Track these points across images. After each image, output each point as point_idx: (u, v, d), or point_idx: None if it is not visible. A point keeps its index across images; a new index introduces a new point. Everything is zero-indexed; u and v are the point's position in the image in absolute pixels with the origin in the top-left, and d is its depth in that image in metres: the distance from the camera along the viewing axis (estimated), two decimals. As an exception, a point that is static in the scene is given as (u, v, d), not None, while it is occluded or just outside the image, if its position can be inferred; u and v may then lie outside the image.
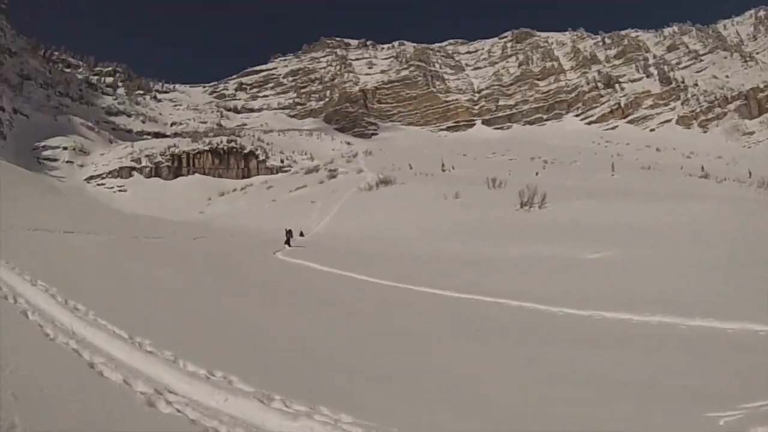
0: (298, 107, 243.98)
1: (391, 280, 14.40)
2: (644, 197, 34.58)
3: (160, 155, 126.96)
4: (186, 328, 8.33)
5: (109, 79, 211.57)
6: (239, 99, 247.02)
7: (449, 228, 32.16)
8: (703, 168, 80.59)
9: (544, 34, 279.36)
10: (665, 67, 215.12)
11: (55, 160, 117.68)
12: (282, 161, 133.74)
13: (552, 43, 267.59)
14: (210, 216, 78.01)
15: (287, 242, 29.01)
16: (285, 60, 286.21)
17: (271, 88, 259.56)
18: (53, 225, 20.87)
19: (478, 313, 10.39)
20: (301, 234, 37.88)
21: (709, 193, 41.55)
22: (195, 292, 12.48)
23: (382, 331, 8.93)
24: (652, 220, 24.60)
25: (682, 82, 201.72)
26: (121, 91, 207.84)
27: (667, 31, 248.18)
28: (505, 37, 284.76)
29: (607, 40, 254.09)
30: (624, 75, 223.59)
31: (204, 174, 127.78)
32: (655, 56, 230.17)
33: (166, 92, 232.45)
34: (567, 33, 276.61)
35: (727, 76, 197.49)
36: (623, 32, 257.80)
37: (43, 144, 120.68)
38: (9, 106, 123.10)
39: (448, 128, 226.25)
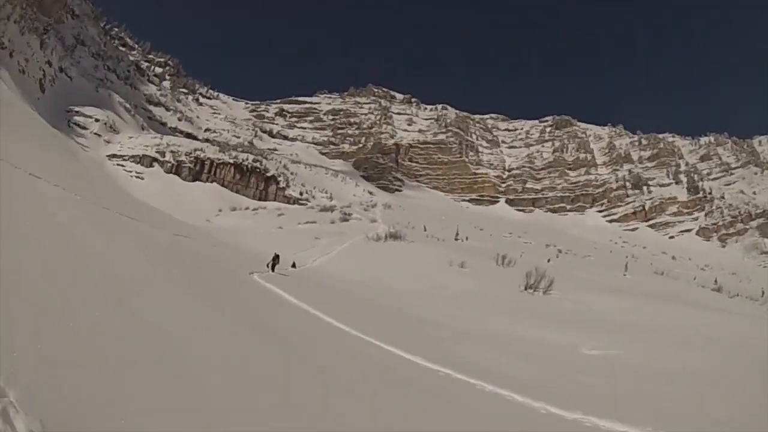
0: (331, 146, 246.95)
1: (359, 330, 12.72)
2: (653, 300, 32.90)
3: (185, 155, 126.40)
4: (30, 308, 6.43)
5: (159, 70, 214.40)
6: (277, 124, 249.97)
7: (445, 293, 30.64)
8: (716, 281, 78.64)
9: (583, 125, 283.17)
10: (695, 176, 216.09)
11: (85, 128, 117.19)
12: (301, 193, 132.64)
13: (590, 136, 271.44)
14: (215, 225, 76.97)
15: (271, 267, 27.27)
16: (329, 97, 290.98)
17: (310, 121, 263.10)
18: (36, 171, 19.31)
19: (438, 390, 8.69)
20: (294, 265, 36.11)
21: (721, 307, 39.64)
22: (110, 271, 10.49)
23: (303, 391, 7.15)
24: (659, 323, 23.18)
25: (710, 193, 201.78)
26: (166, 84, 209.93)
27: (703, 140, 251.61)
28: (546, 121, 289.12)
29: (644, 141, 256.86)
30: (654, 178, 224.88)
31: (222, 185, 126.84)
32: (687, 164, 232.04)
33: (208, 98, 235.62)
34: (606, 128, 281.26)
35: (754, 193, 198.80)
36: (660, 135, 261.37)
37: (77, 109, 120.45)
38: (56, 63, 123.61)
39: (472, 200, 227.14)
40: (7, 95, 60.83)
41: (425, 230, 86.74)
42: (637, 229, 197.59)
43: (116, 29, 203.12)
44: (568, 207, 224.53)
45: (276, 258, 27.95)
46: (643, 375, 12.63)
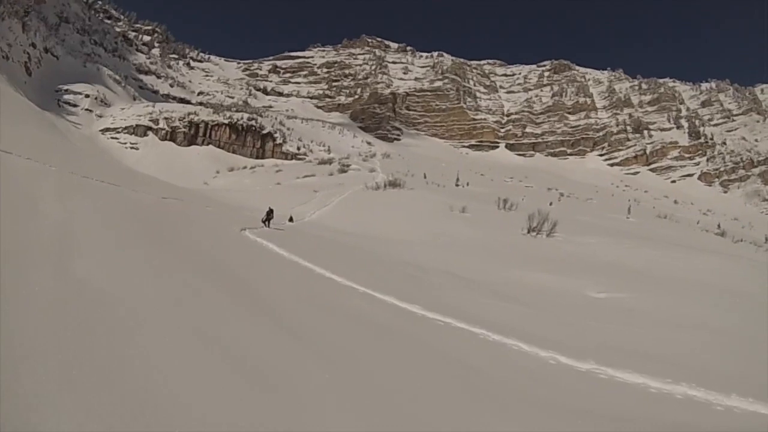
0: (327, 99, 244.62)
1: (353, 280, 11.91)
2: (657, 243, 32.14)
3: (179, 120, 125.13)
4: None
5: (147, 38, 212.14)
6: (271, 81, 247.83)
7: (446, 239, 29.83)
8: (719, 226, 78.15)
9: (582, 69, 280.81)
10: (697, 121, 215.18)
11: (75, 105, 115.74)
12: (298, 148, 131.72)
13: (589, 80, 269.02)
14: (212, 187, 76.35)
15: (266, 222, 26.41)
16: (323, 50, 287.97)
17: (304, 76, 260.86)
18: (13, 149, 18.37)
19: (438, 341, 7.85)
20: (291, 219, 35.52)
21: (726, 251, 38.88)
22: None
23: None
24: (668, 267, 22.28)
25: (711, 138, 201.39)
26: (155, 51, 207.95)
27: (704, 86, 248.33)
28: (544, 65, 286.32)
29: (644, 86, 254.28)
30: (655, 122, 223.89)
31: (219, 147, 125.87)
32: (688, 109, 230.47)
33: (200, 61, 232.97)
34: (605, 72, 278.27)
35: (756, 140, 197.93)
36: (661, 80, 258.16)
37: (66, 87, 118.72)
38: (41, 44, 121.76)
39: (471, 146, 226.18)
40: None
41: (425, 177, 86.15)
42: (638, 173, 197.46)
43: (100, 2, 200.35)
44: (569, 151, 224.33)
45: (270, 212, 26.87)
46: (652, 320, 11.76)
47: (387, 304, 9.89)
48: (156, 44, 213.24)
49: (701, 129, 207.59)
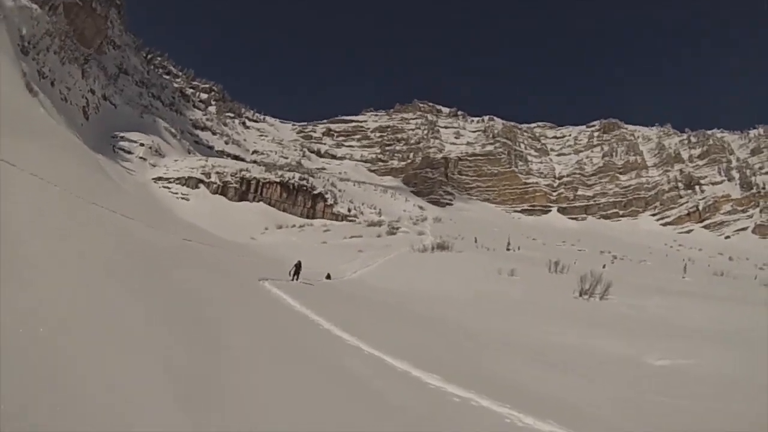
0: (380, 163, 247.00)
1: (363, 339, 10.17)
2: (717, 301, 29.68)
3: (231, 175, 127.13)
4: None
5: (204, 96, 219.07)
6: (324, 143, 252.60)
7: (492, 300, 28.11)
8: (779, 279, 73.92)
9: (631, 127, 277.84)
10: (747, 171, 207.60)
11: (130, 152, 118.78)
12: (349, 210, 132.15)
13: (638, 137, 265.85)
14: (258, 243, 76.09)
15: (293, 275, 24.84)
16: (376, 115, 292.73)
17: (358, 139, 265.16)
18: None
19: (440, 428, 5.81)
20: (328, 276, 34.28)
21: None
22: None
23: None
24: (730, 326, 20.11)
25: (763, 188, 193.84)
26: (212, 109, 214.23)
27: (752, 133, 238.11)
28: (593, 126, 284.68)
29: (693, 139, 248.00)
30: (706, 176, 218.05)
31: (270, 204, 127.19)
32: (738, 159, 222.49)
33: (255, 121, 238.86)
34: (654, 128, 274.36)
35: None
36: (709, 132, 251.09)
37: (122, 135, 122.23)
38: (99, 91, 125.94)
39: (523, 211, 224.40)
40: (44, 118, 60.02)
41: (476, 241, 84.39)
42: (692, 231, 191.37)
43: (159, 58, 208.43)
44: (621, 212, 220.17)
45: (298, 266, 25.33)
46: (728, 391, 9.93)
47: (396, 371, 8.05)
48: (212, 102, 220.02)
49: (753, 179, 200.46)
